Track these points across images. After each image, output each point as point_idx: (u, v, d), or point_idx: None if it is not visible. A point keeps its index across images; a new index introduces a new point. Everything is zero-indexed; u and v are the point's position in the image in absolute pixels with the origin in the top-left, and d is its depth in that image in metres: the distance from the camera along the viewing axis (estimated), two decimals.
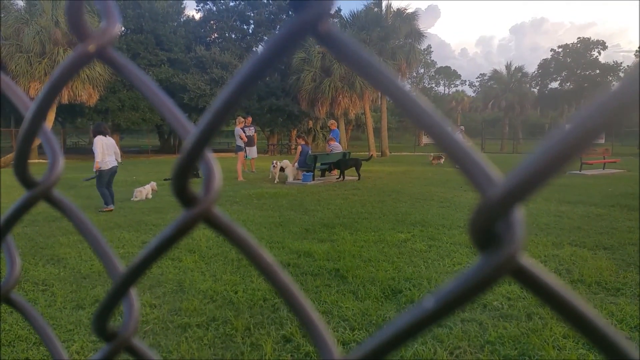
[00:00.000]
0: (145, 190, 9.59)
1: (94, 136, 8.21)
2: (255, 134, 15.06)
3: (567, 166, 0.19)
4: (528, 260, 0.20)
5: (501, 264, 0.19)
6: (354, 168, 13.46)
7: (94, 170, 8.20)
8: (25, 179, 0.36)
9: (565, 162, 0.19)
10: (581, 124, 0.19)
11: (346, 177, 13.51)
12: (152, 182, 9.90)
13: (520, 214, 0.20)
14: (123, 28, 29.42)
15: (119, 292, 0.33)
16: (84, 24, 0.30)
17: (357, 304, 3.74)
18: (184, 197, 0.27)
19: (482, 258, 0.20)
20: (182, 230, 0.28)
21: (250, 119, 14.93)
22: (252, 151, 14.56)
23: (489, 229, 0.19)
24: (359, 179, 13.21)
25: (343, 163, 13.34)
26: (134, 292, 0.35)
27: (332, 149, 14.10)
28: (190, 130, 0.28)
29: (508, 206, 0.19)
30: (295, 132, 34.29)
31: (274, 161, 13.23)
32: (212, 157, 0.28)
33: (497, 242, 0.19)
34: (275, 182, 12.66)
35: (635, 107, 0.18)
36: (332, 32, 0.22)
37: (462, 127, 34.69)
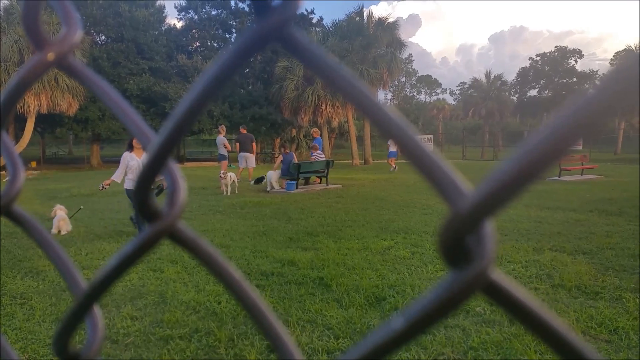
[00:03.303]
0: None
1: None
2: (238, 143, 15.07)
3: (540, 177, 0.18)
4: (499, 275, 0.19)
5: (472, 280, 0.18)
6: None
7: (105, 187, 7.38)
8: None
9: (538, 172, 0.18)
10: (552, 133, 0.18)
11: (330, 185, 13.52)
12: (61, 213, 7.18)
13: (491, 227, 0.19)
14: (104, 37, 29.15)
15: (81, 310, 0.31)
16: (41, 31, 0.28)
17: (342, 312, 3.72)
18: (147, 211, 0.26)
19: (452, 274, 0.19)
20: (144, 247, 0.26)
21: (245, 128, 15.31)
22: (251, 160, 14.79)
23: (458, 243, 0.18)
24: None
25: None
26: (97, 310, 0.34)
27: (315, 157, 14.12)
28: (152, 139, 0.27)
29: (478, 219, 0.18)
30: (278, 140, 34.26)
31: (222, 171, 12.33)
32: (176, 167, 0.27)
33: (468, 257, 0.19)
34: (227, 194, 11.79)
35: (610, 114, 0.18)
36: (297, 37, 0.21)
37: (430, 135, 34.90)
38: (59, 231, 7.00)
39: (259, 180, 13.48)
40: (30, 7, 0.28)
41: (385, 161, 23.92)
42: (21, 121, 23.96)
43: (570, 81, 55.50)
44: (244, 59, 0.22)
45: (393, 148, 21.70)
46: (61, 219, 7.05)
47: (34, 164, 27.46)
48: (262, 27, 0.21)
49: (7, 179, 0.35)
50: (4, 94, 0.30)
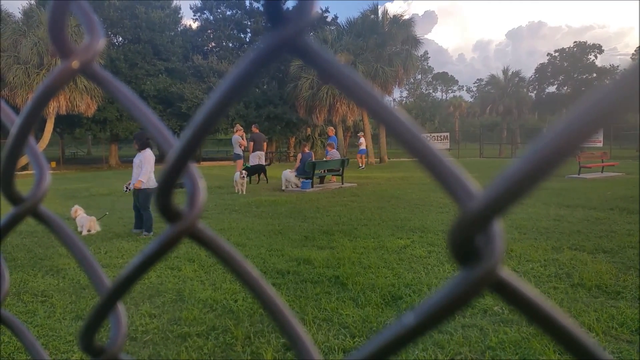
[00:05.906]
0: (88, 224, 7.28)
1: (143, 147, 6.98)
2: (252, 142, 15.13)
3: (550, 176, 0.19)
4: (508, 273, 0.20)
5: (481, 278, 0.19)
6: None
7: (129, 188, 7.30)
8: (11, 195, 0.36)
9: (547, 172, 0.18)
10: (560, 133, 0.18)
11: (345, 183, 13.52)
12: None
13: (499, 226, 0.19)
14: (120, 38, 29.53)
15: (106, 307, 0.32)
16: (67, 40, 0.30)
17: (358, 311, 3.73)
18: (168, 212, 0.27)
19: (462, 272, 0.19)
20: (166, 246, 0.27)
21: (257, 127, 15.49)
22: (262, 159, 14.93)
23: (468, 242, 0.19)
24: (257, 182, 14.37)
25: (251, 169, 14.32)
26: (121, 307, 0.35)
27: (330, 156, 14.13)
28: (173, 144, 0.28)
29: (487, 219, 0.18)
30: (293, 139, 34.33)
31: (241, 170, 12.32)
32: (196, 170, 0.28)
33: (477, 256, 0.19)
34: (242, 193, 11.80)
35: (628, 109, 0.18)
36: (310, 47, 0.22)
37: (447, 133, 34.76)
38: (89, 230, 7.20)
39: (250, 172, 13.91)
40: (56, 16, 0.30)
41: (400, 160, 23.90)
42: (40, 122, 24.38)
43: (589, 77, 54.62)
44: (259, 69, 0.23)
45: (363, 146, 22.50)
46: (91, 221, 7.27)
47: (53, 164, 27.96)
48: (276, 38, 0.22)
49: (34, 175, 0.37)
50: (32, 100, 0.31)
